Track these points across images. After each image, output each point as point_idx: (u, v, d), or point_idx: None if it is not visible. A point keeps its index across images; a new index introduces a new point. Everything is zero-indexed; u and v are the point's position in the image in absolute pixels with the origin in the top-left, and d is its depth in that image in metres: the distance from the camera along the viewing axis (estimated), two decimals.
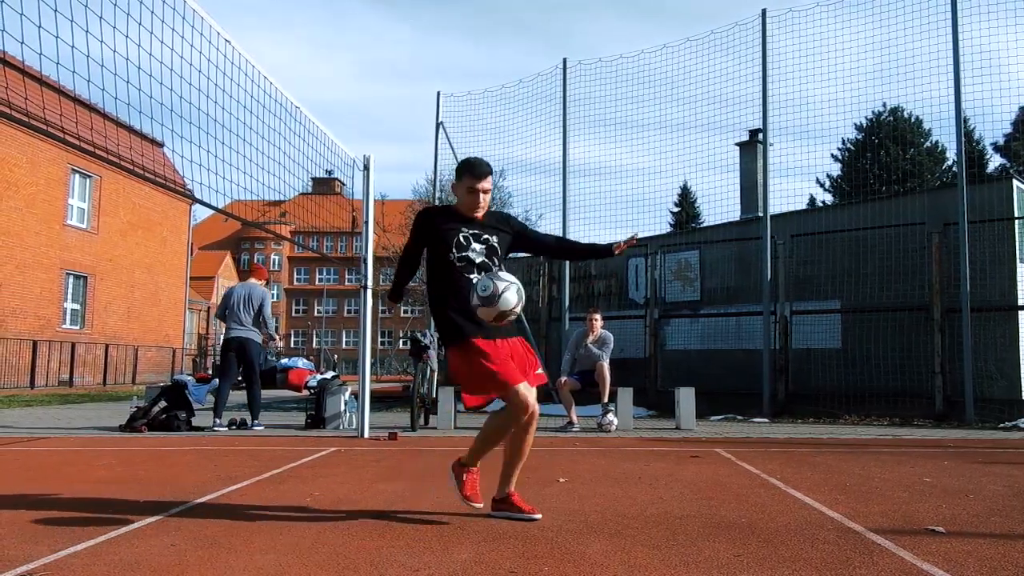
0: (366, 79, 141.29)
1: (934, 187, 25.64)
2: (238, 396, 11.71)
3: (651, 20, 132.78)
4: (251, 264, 11.88)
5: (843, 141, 35.80)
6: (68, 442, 9.28)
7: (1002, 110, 16.04)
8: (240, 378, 11.09)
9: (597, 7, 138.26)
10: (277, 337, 11.91)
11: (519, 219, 4.92)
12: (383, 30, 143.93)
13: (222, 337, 11.26)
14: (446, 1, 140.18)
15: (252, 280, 11.27)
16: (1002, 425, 11.01)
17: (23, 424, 11.62)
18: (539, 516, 4.43)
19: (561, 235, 14.70)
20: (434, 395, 11.65)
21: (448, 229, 4.49)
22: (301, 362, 12.69)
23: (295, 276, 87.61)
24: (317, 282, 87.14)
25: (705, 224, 19.04)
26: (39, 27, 4.45)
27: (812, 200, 34.49)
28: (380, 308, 69.37)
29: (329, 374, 12.02)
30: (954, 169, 14.33)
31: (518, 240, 4.80)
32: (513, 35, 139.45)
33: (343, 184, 16.33)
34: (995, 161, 33.82)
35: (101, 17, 5.00)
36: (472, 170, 4.52)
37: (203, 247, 74.29)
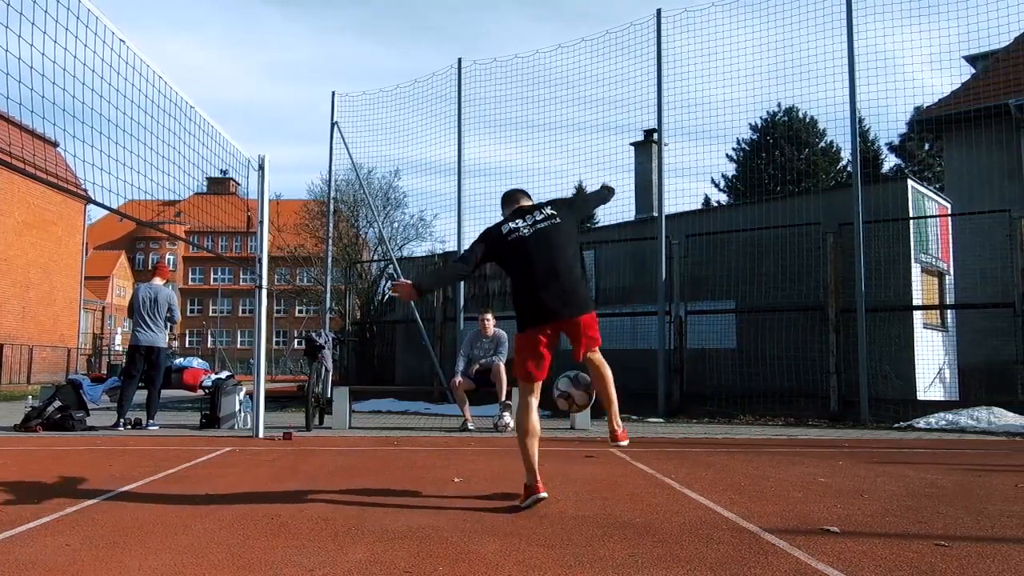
0: (262, 79, 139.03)
1: (829, 187, 26.31)
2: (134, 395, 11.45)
3: (555, 21, 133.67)
4: (158, 263, 11.61)
5: (738, 141, 36.59)
6: None
7: (897, 111, 16.53)
8: (141, 380, 10.92)
9: (503, 8, 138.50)
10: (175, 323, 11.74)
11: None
12: (280, 30, 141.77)
13: (129, 339, 11.11)
14: (345, 2, 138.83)
15: (156, 280, 11.09)
16: (897, 425, 11.15)
17: None
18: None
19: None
20: (329, 395, 11.55)
21: None
22: (196, 362, 12.47)
23: (190, 276, 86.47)
24: (212, 282, 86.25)
25: (600, 224, 19.09)
26: None
27: (707, 200, 35.20)
28: (275, 308, 68.46)
29: (224, 374, 11.81)
30: (849, 169, 14.60)
31: None
32: (415, 36, 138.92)
33: (238, 184, 16.06)
34: (890, 161, 34.98)
35: None
36: None
37: (98, 247, 73.82)
